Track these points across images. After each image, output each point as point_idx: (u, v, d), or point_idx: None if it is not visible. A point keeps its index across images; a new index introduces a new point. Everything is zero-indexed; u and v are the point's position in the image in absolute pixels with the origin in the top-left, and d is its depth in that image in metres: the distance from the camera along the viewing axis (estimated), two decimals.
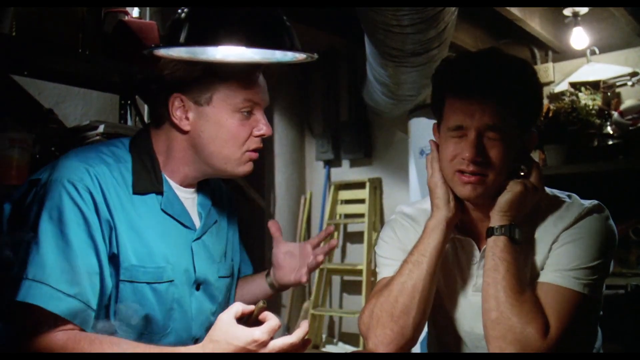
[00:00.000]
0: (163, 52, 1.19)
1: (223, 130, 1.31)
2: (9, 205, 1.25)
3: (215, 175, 1.41)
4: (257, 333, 1.12)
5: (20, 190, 1.25)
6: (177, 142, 1.34)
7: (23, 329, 1.11)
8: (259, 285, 1.56)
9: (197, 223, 1.40)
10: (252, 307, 1.18)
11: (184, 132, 1.33)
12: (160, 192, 1.33)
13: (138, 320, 1.26)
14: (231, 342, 1.12)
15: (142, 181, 1.31)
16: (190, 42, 1.10)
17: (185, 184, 1.39)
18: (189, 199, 1.40)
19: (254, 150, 1.35)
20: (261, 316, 1.18)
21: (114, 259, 1.23)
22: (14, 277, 1.12)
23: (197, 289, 1.37)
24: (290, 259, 1.50)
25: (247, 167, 1.37)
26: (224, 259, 1.48)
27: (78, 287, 1.14)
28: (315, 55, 1.21)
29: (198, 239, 1.38)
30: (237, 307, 1.16)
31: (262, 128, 1.34)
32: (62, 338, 1.12)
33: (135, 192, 1.29)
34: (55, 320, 1.11)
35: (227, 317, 1.14)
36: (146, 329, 1.27)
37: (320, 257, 1.48)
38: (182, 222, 1.36)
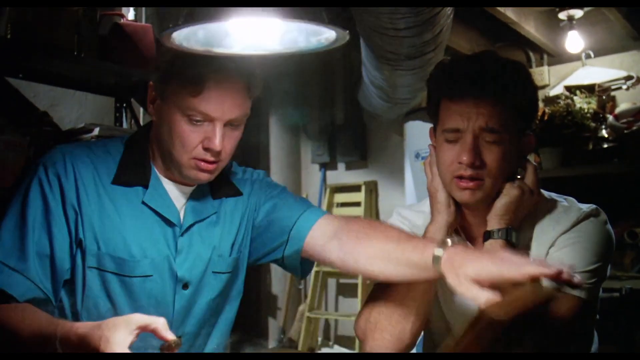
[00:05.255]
0: (179, 39, 1.11)
1: (172, 130, 1.25)
2: None
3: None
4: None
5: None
6: (154, 134, 1.34)
7: None
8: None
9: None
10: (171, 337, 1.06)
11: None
12: (145, 185, 1.31)
13: (105, 312, 1.24)
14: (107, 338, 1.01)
15: (125, 173, 1.30)
16: (206, 19, 1.02)
17: (180, 182, 1.34)
18: (184, 194, 1.35)
19: (203, 160, 1.26)
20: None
21: (80, 245, 1.25)
22: None
23: (185, 287, 1.33)
24: None
25: (200, 175, 1.28)
26: (228, 252, 1.39)
27: (25, 264, 1.17)
28: (347, 36, 1.11)
29: (184, 234, 1.32)
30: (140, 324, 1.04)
31: (211, 142, 1.24)
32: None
33: (115, 183, 1.29)
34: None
35: (127, 328, 1.03)
36: None
37: None
38: (165, 217, 1.31)
